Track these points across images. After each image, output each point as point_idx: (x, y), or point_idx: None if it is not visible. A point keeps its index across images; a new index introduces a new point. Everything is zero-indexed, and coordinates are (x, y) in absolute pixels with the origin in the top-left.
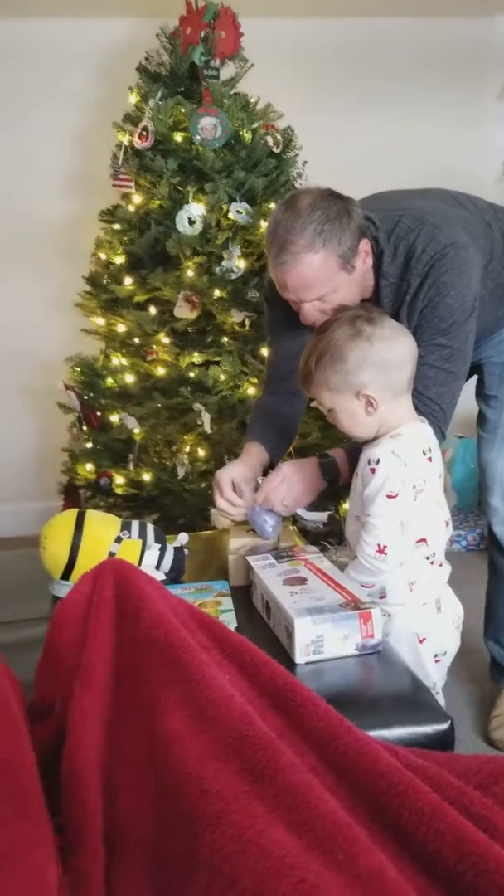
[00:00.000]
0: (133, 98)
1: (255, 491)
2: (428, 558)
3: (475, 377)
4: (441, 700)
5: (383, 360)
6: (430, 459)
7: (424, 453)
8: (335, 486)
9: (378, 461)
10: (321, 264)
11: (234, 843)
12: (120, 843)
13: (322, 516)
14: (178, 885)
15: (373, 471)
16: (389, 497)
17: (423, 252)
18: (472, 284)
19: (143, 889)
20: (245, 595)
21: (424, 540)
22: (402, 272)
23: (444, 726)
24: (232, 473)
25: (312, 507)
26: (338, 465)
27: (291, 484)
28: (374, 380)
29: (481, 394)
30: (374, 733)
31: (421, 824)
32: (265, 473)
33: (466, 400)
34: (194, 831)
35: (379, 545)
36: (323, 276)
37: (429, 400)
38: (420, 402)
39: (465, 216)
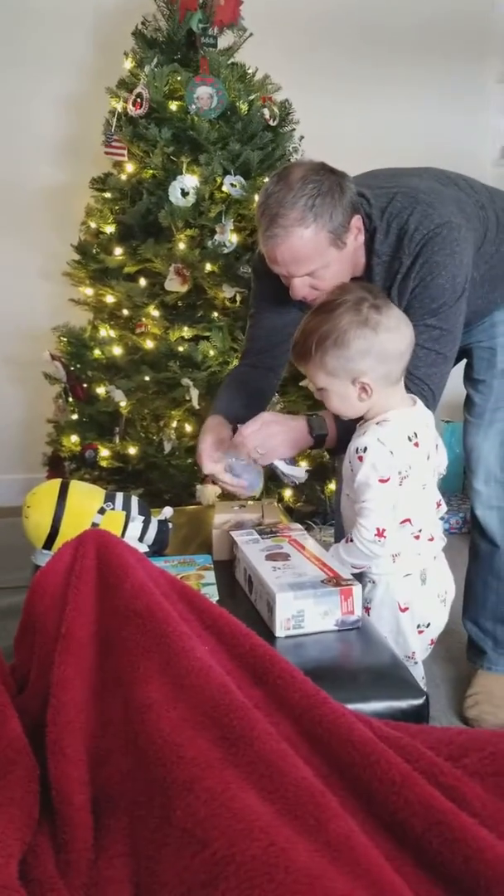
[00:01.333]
0: (128, 64)
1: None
2: (413, 534)
3: (464, 361)
4: (419, 671)
5: (386, 352)
6: (416, 445)
7: (410, 439)
8: (322, 446)
9: (365, 449)
10: (311, 238)
11: (206, 808)
12: (106, 809)
13: (300, 472)
14: (153, 848)
15: (360, 458)
16: (382, 481)
17: (416, 230)
18: (464, 265)
19: (125, 855)
20: (228, 570)
21: (408, 520)
22: (393, 251)
23: (419, 701)
24: (203, 447)
25: (292, 462)
26: (327, 424)
27: (270, 433)
28: (373, 369)
29: (469, 378)
30: (351, 706)
31: (391, 793)
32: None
33: (453, 385)
34: (169, 796)
35: (378, 528)
36: (313, 250)
37: (418, 380)
38: (410, 382)
39: (460, 197)
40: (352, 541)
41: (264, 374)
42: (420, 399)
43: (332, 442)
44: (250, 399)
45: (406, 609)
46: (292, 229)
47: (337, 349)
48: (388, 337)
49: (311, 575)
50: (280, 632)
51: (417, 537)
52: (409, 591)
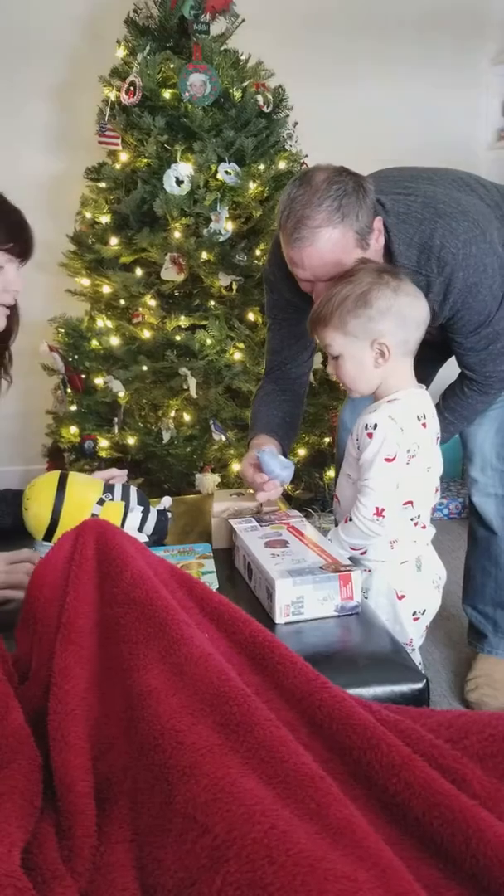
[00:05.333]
0: (120, 52)
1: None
2: (412, 519)
3: None
4: (417, 657)
5: (405, 315)
6: (424, 425)
7: (419, 419)
8: None
9: (375, 426)
10: (339, 239)
11: (207, 793)
12: (108, 796)
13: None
14: (155, 834)
15: (370, 435)
16: (387, 460)
17: (443, 248)
18: (497, 270)
19: (127, 840)
20: (227, 557)
21: (411, 502)
22: (417, 264)
23: (419, 685)
24: (251, 459)
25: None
26: None
27: None
28: (393, 332)
29: None
30: (351, 691)
31: (391, 776)
32: None
33: (449, 374)
34: (169, 782)
35: (377, 508)
36: (340, 252)
37: (489, 376)
38: (483, 379)
39: (475, 201)
40: (351, 520)
41: (290, 386)
42: (497, 386)
43: None
44: (284, 414)
45: (403, 596)
46: (320, 230)
47: (357, 308)
48: (408, 301)
49: (310, 561)
50: (280, 618)
51: (416, 523)
52: (405, 578)
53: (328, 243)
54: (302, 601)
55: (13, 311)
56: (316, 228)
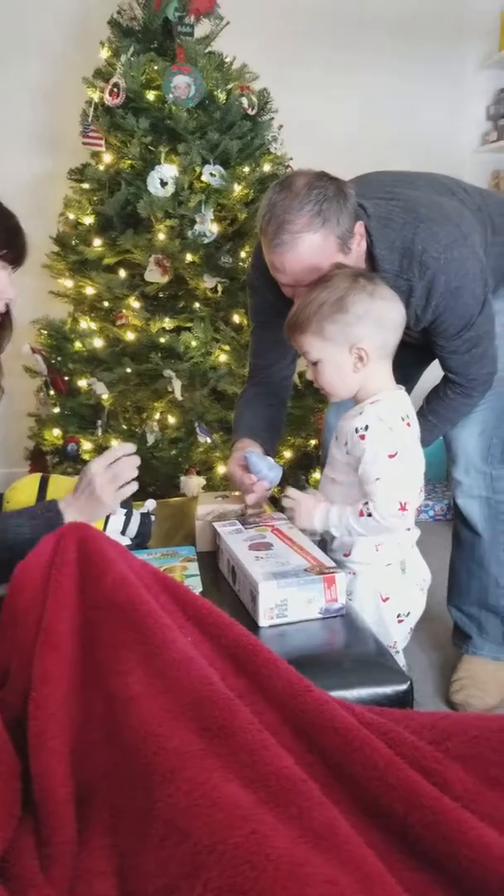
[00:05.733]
0: (104, 53)
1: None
2: None
3: None
4: (401, 659)
5: (382, 318)
6: (408, 425)
7: (403, 419)
8: None
9: (367, 427)
10: (320, 244)
11: (187, 798)
12: (89, 802)
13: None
14: (135, 839)
15: (363, 437)
16: (391, 456)
17: (424, 252)
18: (480, 274)
19: (108, 847)
20: (211, 561)
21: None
22: (399, 268)
23: (403, 687)
24: (236, 462)
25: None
26: None
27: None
28: (371, 336)
29: None
30: (335, 694)
31: (374, 778)
32: None
33: (433, 376)
34: (150, 787)
35: (401, 502)
36: (322, 256)
37: (472, 380)
38: (465, 381)
39: (456, 205)
40: (370, 515)
41: (274, 389)
42: (480, 389)
43: None
44: (267, 417)
45: (387, 599)
46: (300, 235)
47: (336, 313)
48: (385, 305)
49: (295, 563)
50: (264, 621)
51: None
52: (390, 581)
53: (309, 248)
54: (286, 604)
55: (6, 318)
56: (297, 233)
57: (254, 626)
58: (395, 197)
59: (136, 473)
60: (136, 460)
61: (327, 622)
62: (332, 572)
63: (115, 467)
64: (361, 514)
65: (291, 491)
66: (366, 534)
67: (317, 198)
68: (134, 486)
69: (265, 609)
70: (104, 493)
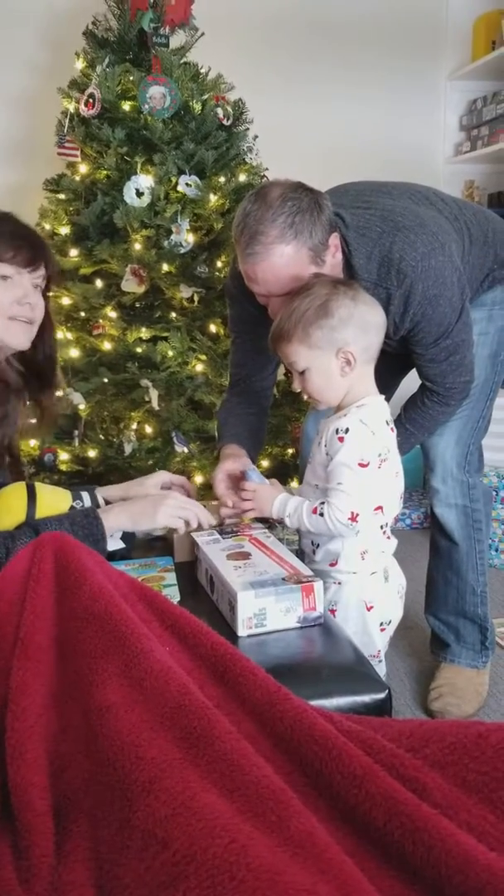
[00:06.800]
0: (79, 64)
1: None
2: (382, 528)
3: None
4: (383, 667)
5: (366, 321)
6: (392, 429)
7: (387, 423)
8: None
9: (347, 430)
10: (292, 255)
11: (166, 808)
12: (67, 813)
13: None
14: (114, 851)
15: (341, 439)
16: (362, 465)
17: (402, 260)
18: (457, 282)
19: (87, 859)
20: (190, 571)
21: (381, 508)
22: (377, 277)
23: (381, 695)
24: (225, 468)
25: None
26: None
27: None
28: (356, 339)
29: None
30: (314, 703)
31: (353, 787)
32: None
33: (412, 386)
34: (129, 798)
35: (352, 512)
36: (294, 268)
37: (449, 387)
38: (443, 389)
39: (434, 215)
40: (322, 515)
41: (255, 398)
42: (458, 395)
43: None
44: (250, 426)
45: (371, 607)
46: (273, 247)
47: (320, 318)
48: (367, 308)
49: (273, 573)
50: (242, 631)
51: (384, 532)
52: (374, 589)
53: (281, 259)
54: (264, 613)
55: (46, 328)
56: (269, 245)
57: (232, 635)
58: (372, 206)
59: (192, 525)
60: (209, 522)
61: (305, 631)
62: (310, 581)
63: (194, 509)
64: (315, 512)
65: (247, 483)
66: (313, 531)
67: (290, 209)
68: (181, 526)
69: (243, 618)
70: (165, 511)
